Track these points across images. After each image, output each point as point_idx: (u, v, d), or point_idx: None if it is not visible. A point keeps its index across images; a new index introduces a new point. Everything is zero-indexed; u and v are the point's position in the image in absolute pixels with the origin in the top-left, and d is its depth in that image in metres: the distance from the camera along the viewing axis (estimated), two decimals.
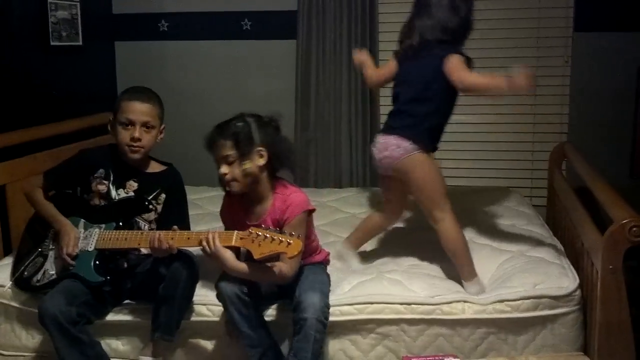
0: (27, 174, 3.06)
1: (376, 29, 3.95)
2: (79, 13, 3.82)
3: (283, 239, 2.22)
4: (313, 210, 2.49)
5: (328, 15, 3.96)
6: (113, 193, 2.59)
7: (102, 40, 4.26)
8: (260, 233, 2.25)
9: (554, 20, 3.83)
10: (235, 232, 2.30)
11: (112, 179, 2.60)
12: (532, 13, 3.84)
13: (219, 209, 3.45)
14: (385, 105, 4.05)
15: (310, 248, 2.55)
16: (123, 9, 4.32)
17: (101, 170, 2.60)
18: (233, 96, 4.24)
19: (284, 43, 4.13)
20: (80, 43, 3.87)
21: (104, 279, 2.45)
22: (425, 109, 2.65)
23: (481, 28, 3.87)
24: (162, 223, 2.58)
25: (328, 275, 2.57)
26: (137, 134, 2.53)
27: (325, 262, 2.65)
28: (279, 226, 2.40)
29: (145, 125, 2.56)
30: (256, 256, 2.25)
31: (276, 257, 2.32)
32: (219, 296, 2.39)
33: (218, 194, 3.86)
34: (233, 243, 2.29)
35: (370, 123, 4.01)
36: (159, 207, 2.62)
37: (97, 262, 2.46)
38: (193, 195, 3.75)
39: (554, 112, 3.92)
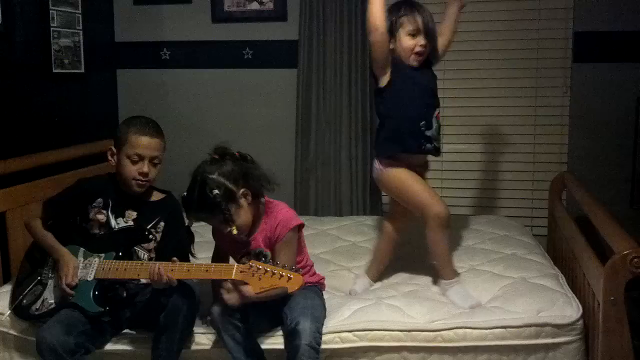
0: (28, 200, 3.06)
1: None
2: (81, 41, 3.86)
3: (284, 274, 2.21)
4: (302, 225, 2.53)
5: (329, 45, 4.00)
6: (112, 222, 2.58)
7: (104, 67, 4.28)
8: (260, 267, 2.23)
9: (553, 51, 3.87)
10: (235, 265, 2.29)
11: (110, 208, 2.59)
12: (532, 44, 3.87)
13: None
14: None
15: (302, 264, 2.57)
16: (125, 37, 4.36)
17: (99, 200, 2.59)
18: (234, 124, 4.26)
19: (285, 72, 4.16)
20: (83, 70, 3.90)
21: (102, 309, 2.43)
22: (380, 120, 2.81)
23: (481, 58, 3.96)
24: (162, 252, 2.57)
25: (322, 300, 2.56)
26: (145, 169, 2.54)
27: (318, 286, 2.64)
28: (271, 244, 2.46)
29: (153, 160, 2.57)
30: (256, 290, 2.23)
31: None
32: (212, 323, 2.39)
33: None
34: (233, 276, 2.27)
35: (370, 152, 4.02)
36: (158, 236, 2.61)
37: (96, 293, 2.44)
38: (194, 223, 3.75)
39: (553, 142, 3.93)
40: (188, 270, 2.35)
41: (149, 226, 2.59)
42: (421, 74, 2.76)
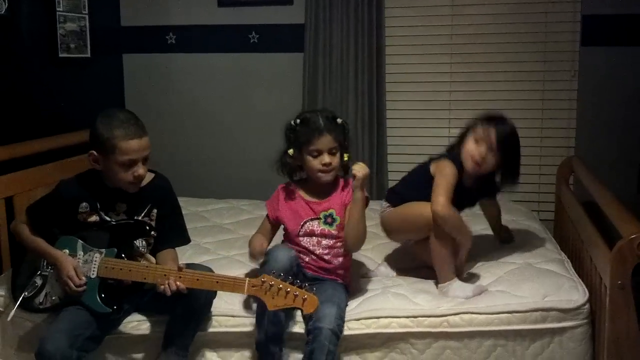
0: (34, 185, 3.07)
1: (383, 43, 3.97)
2: (87, 25, 3.85)
3: (298, 293, 2.16)
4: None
5: (335, 29, 3.98)
6: (107, 218, 2.47)
7: (110, 52, 4.28)
8: (273, 283, 2.18)
9: (561, 35, 3.84)
10: (247, 280, 2.23)
11: (99, 208, 2.47)
12: (539, 27, 3.85)
13: (225, 222, 3.47)
14: (392, 118, 4.07)
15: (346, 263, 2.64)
16: (131, 21, 4.34)
17: (85, 204, 2.46)
18: (240, 109, 4.26)
19: (291, 56, 4.15)
20: (89, 55, 3.89)
21: (110, 309, 2.37)
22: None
23: (488, 42, 3.94)
24: (160, 239, 2.52)
25: (347, 297, 2.56)
26: (141, 171, 2.40)
27: (347, 284, 2.64)
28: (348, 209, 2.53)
29: (145, 159, 2.42)
30: (270, 308, 2.20)
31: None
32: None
33: (225, 206, 3.87)
34: (245, 292, 2.24)
35: (377, 135, 4.02)
36: (153, 223, 2.52)
37: (103, 295, 2.37)
38: (199, 207, 3.76)
39: (561, 127, 3.91)
40: (197, 279, 2.28)
41: (142, 215, 2.50)
42: (470, 184, 2.73)
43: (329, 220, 2.57)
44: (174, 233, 2.57)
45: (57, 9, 3.59)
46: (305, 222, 2.57)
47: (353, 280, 2.71)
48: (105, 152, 2.37)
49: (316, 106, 4.03)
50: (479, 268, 2.81)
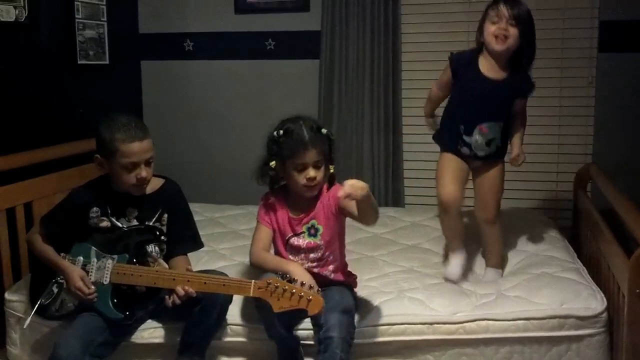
0: (54, 190, 3.10)
1: (399, 49, 3.97)
2: (106, 32, 3.89)
3: (303, 294, 2.17)
4: None
5: (351, 36, 3.99)
6: (118, 224, 2.51)
7: (129, 59, 4.32)
8: (278, 284, 2.19)
9: (578, 41, 3.82)
10: (253, 282, 2.24)
11: (109, 213, 2.50)
12: (557, 34, 3.83)
13: (241, 227, 3.48)
14: (408, 125, 4.06)
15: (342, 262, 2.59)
16: (149, 28, 4.38)
17: (95, 209, 2.49)
18: (256, 115, 4.27)
19: (307, 63, 4.16)
20: (107, 62, 3.93)
21: (122, 315, 2.39)
22: None
23: None
24: (172, 244, 2.54)
25: (355, 299, 2.55)
26: (144, 174, 2.42)
27: (353, 284, 2.63)
28: (333, 214, 2.47)
29: (148, 161, 2.45)
30: (275, 310, 2.20)
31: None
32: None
33: (241, 212, 3.89)
34: (251, 294, 2.24)
35: (392, 141, 4.01)
36: (164, 228, 2.54)
37: (115, 300, 2.39)
38: (215, 213, 3.78)
39: (578, 133, 3.89)
40: (205, 282, 2.30)
41: (153, 220, 2.52)
42: (487, 82, 2.81)
43: (312, 231, 2.50)
44: (185, 238, 2.58)
45: (77, 17, 3.63)
46: (289, 238, 2.50)
47: (360, 283, 2.69)
48: (108, 156, 2.42)
49: (332, 113, 4.04)
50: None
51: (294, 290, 2.17)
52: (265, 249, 2.50)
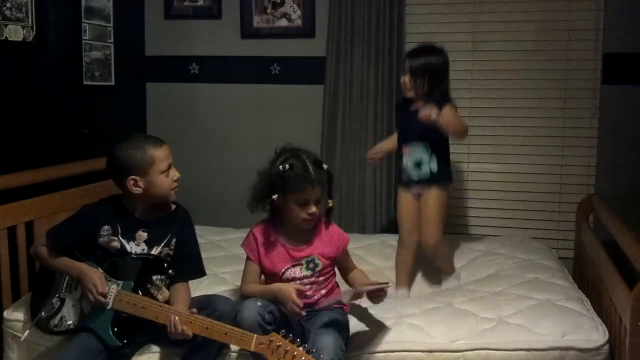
0: (56, 210, 3.10)
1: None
2: (112, 54, 3.92)
3: (304, 359, 2.15)
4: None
5: (356, 62, 4.01)
6: (128, 247, 2.50)
7: (134, 80, 4.34)
8: (280, 344, 2.17)
9: (582, 72, 3.83)
10: (255, 336, 2.22)
11: (120, 233, 2.51)
12: (560, 65, 3.85)
13: (243, 251, 3.44)
14: None
15: (332, 284, 2.62)
16: (155, 51, 4.41)
17: (107, 227, 2.50)
18: (261, 139, 4.27)
19: (312, 88, 4.18)
20: (113, 83, 3.95)
21: (121, 343, 2.38)
22: None
23: (509, 78, 3.95)
24: (176, 268, 2.52)
25: (346, 319, 2.55)
26: (178, 173, 2.55)
27: (343, 307, 2.62)
28: (330, 257, 2.54)
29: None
30: None
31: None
32: (241, 324, 2.33)
33: (243, 235, 3.84)
34: (252, 348, 2.22)
35: (394, 168, 4.02)
36: (172, 252, 2.55)
37: (115, 328, 2.38)
38: (218, 236, 3.77)
39: (581, 164, 3.89)
40: (207, 327, 2.27)
41: (162, 245, 2.53)
42: (407, 107, 3.20)
43: (311, 265, 2.52)
44: (190, 266, 2.58)
45: (83, 37, 3.65)
46: (286, 270, 2.52)
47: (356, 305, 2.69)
48: (144, 170, 2.47)
49: (335, 138, 4.05)
50: (498, 299, 2.79)
51: (295, 353, 2.15)
52: (255, 283, 2.55)
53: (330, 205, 2.59)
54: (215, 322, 2.28)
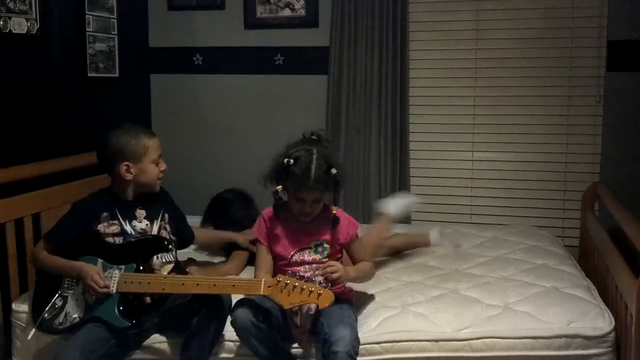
0: (62, 202, 3.10)
1: (407, 66, 3.98)
2: (116, 45, 3.92)
3: (313, 289, 2.20)
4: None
5: (359, 52, 4.01)
6: (127, 228, 2.54)
7: (138, 72, 4.34)
8: (288, 282, 2.22)
9: (586, 60, 3.83)
10: (263, 280, 2.27)
11: (119, 215, 2.56)
12: (565, 52, 3.84)
13: None
14: (415, 141, 4.07)
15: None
16: (159, 42, 4.41)
17: (105, 214, 2.54)
18: (264, 129, 4.28)
19: (316, 78, 4.18)
20: (117, 75, 3.96)
21: (129, 323, 2.39)
22: None
23: (513, 67, 3.94)
24: (177, 235, 2.68)
25: (354, 311, 2.56)
26: (164, 165, 2.65)
27: (351, 298, 2.63)
28: (340, 243, 2.55)
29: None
30: (286, 306, 2.24)
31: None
32: (233, 323, 2.36)
33: None
34: (261, 292, 2.25)
35: (399, 158, 4.02)
36: (168, 227, 2.65)
37: (121, 308, 2.40)
38: None
39: (586, 152, 3.89)
40: (214, 285, 2.31)
41: (159, 219, 2.62)
42: None
43: (320, 249, 2.54)
44: (186, 227, 2.78)
45: (87, 30, 3.65)
46: (295, 253, 2.53)
47: (363, 297, 2.70)
48: (137, 157, 2.56)
49: (339, 128, 4.06)
50: (504, 285, 2.80)
51: (304, 286, 2.21)
52: (269, 272, 2.53)
53: (335, 212, 2.55)
54: (221, 278, 2.39)
